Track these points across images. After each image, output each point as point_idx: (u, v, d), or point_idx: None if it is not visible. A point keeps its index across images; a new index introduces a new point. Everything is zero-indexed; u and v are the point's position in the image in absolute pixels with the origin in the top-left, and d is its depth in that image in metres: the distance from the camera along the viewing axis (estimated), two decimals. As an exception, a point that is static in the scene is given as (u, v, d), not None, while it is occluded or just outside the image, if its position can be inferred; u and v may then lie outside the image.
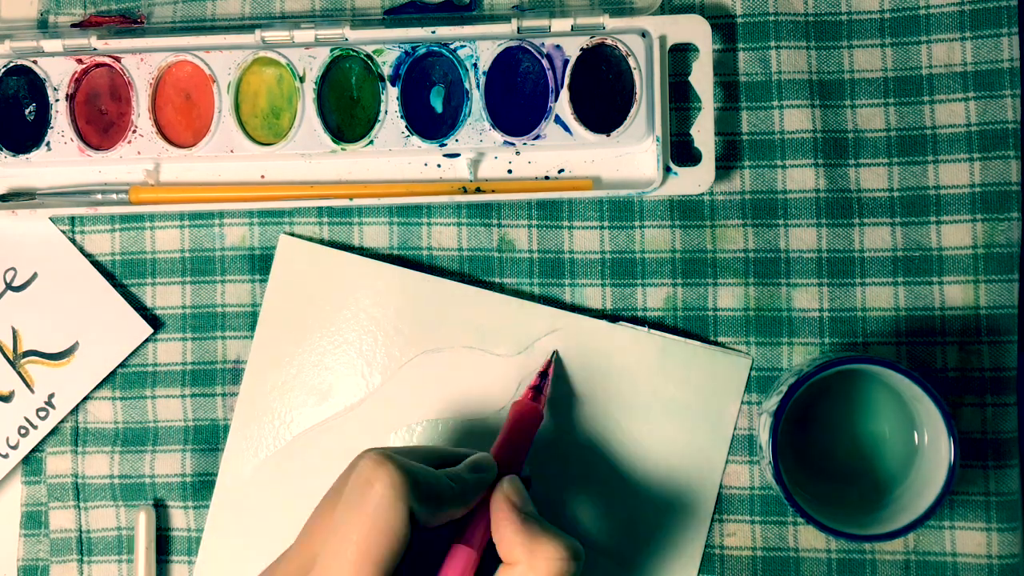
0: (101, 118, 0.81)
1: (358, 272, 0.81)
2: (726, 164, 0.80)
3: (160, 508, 0.82)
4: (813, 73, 0.79)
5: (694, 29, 0.78)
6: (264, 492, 0.81)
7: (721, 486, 0.79)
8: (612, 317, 0.80)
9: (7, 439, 0.82)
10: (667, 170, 0.78)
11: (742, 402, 0.79)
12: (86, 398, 0.83)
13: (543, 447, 0.79)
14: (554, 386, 0.80)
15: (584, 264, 0.80)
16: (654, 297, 0.80)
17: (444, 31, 0.78)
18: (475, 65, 0.78)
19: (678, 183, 0.78)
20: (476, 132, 0.78)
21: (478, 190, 0.79)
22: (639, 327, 0.80)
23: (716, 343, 0.80)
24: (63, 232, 0.83)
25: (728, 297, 0.80)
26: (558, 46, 0.77)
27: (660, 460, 0.79)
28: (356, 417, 0.81)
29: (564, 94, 0.77)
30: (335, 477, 0.80)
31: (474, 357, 0.80)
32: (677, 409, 0.79)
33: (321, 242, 0.81)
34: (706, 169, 0.78)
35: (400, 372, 0.81)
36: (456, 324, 0.80)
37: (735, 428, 0.79)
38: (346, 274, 0.81)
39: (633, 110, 0.77)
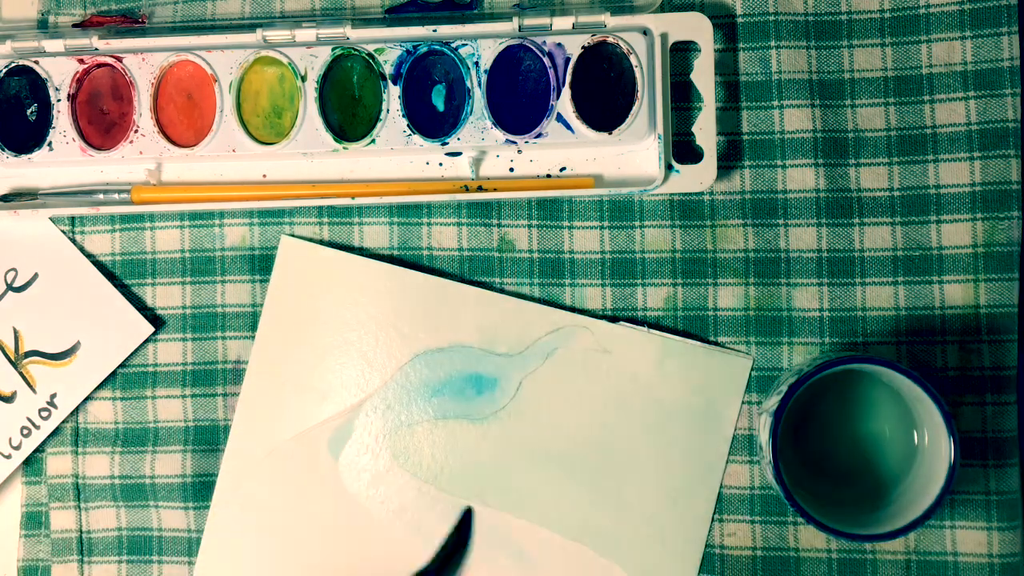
0: (103, 118, 0.81)
1: (358, 272, 0.81)
2: (726, 164, 0.80)
3: (160, 509, 0.82)
4: (813, 73, 0.79)
5: (695, 27, 0.78)
6: (264, 492, 0.81)
7: (721, 486, 0.79)
8: (612, 317, 0.80)
9: (10, 439, 0.82)
10: (669, 168, 0.78)
11: (742, 402, 0.79)
12: (87, 398, 0.83)
13: (543, 447, 0.79)
14: (554, 386, 0.80)
15: (584, 264, 0.80)
16: (654, 297, 0.80)
17: (445, 30, 0.78)
18: (477, 63, 0.78)
19: (680, 181, 0.78)
20: (478, 130, 0.78)
21: (480, 188, 0.79)
22: (639, 327, 0.80)
23: (716, 343, 0.80)
24: (63, 232, 0.83)
25: (728, 297, 0.80)
26: (559, 44, 0.78)
27: (660, 460, 0.79)
28: (356, 417, 0.81)
29: (566, 92, 0.78)
30: (335, 476, 0.81)
31: (474, 357, 0.80)
32: (677, 409, 0.79)
33: (321, 242, 0.82)
34: (708, 166, 0.78)
35: (400, 372, 0.81)
36: (456, 324, 0.80)
37: (735, 428, 0.79)
38: (347, 275, 0.81)
39: (635, 108, 0.77)
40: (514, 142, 0.78)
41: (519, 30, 0.78)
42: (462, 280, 0.81)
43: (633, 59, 0.77)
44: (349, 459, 0.81)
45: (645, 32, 0.78)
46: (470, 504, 0.80)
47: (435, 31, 0.78)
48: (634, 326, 0.80)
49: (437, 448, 0.80)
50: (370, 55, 0.79)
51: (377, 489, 0.81)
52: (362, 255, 0.81)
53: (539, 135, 0.78)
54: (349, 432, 0.81)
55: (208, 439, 0.82)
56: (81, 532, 0.83)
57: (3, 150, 0.80)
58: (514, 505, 0.80)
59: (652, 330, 0.80)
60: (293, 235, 0.82)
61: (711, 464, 0.79)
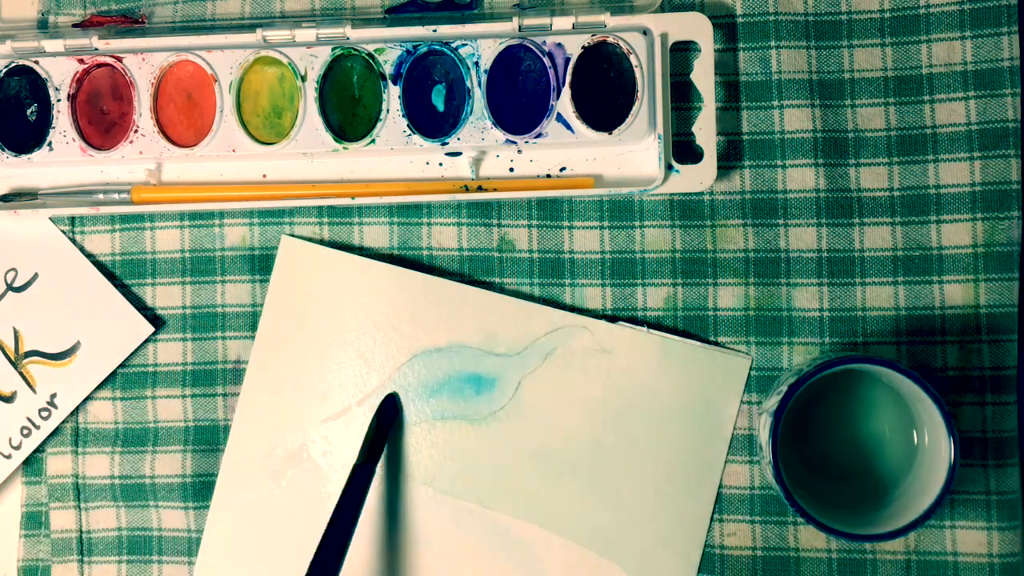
0: (103, 118, 0.81)
1: (358, 273, 0.81)
2: (726, 164, 0.80)
3: (160, 509, 0.82)
4: (813, 73, 0.79)
5: (695, 27, 0.78)
6: (264, 492, 0.81)
7: (721, 486, 0.79)
8: (611, 317, 0.80)
9: (10, 439, 0.82)
10: (669, 168, 0.78)
11: (742, 402, 0.79)
12: (87, 398, 0.83)
13: (542, 448, 0.79)
14: (554, 387, 0.80)
15: (584, 264, 0.80)
16: (654, 297, 0.80)
17: (445, 30, 0.78)
18: (477, 63, 0.78)
19: (680, 181, 0.78)
20: (478, 131, 0.78)
21: (480, 188, 0.79)
22: (638, 327, 0.80)
23: (716, 343, 0.80)
24: (63, 232, 0.83)
25: (728, 297, 0.80)
26: (559, 44, 0.78)
27: (659, 461, 0.79)
28: (355, 417, 0.81)
29: (566, 92, 0.78)
30: (334, 477, 0.80)
31: (473, 357, 0.80)
32: (676, 409, 0.79)
33: (321, 242, 0.82)
34: (708, 166, 0.78)
35: (398, 372, 0.81)
36: (456, 324, 0.80)
37: (735, 428, 0.79)
38: (346, 275, 0.81)
39: (635, 108, 0.77)
40: (514, 142, 0.78)
41: (519, 30, 0.78)
42: (462, 280, 0.81)
43: (633, 59, 0.77)
44: (347, 461, 0.81)
45: (645, 32, 0.78)
46: (474, 505, 0.80)
47: (435, 31, 0.78)
48: (633, 326, 0.80)
49: (435, 449, 0.80)
50: (370, 55, 0.79)
51: (374, 490, 0.81)
52: (362, 255, 0.81)
53: (539, 135, 0.78)
54: (347, 433, 0.81)
55: (208, 439, 0.82)
56: (81, 532, 0.83)
57: (3, 150, 0.80)
58: (513, 506, 0.80)
59: (651, 330, 0.80)
60: (293, 235, 0.82)
61: (710, 464, 0.79)
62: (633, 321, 0.80)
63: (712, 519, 0.79)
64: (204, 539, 0.81)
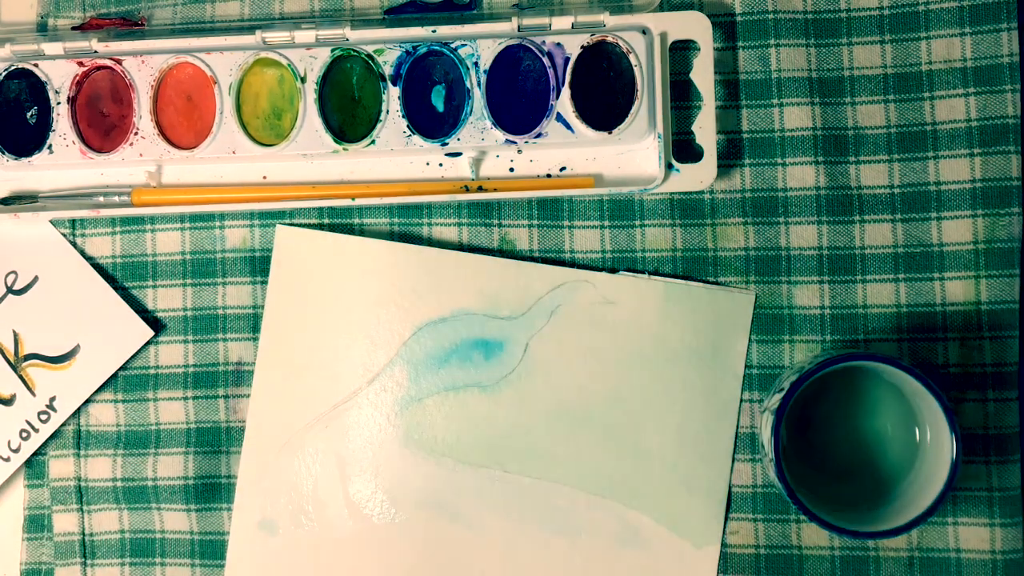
0: (103, 120, 0.81)
1: (355, 252, 0.81)
2: (726, 162, 0.80)
3: (162, 511, 0.82)
4: (813, 70, 0.79)
5: (694, 26, 0.78)
6: (282, 484, 0.81)
7: (737, 426, 0.79)
8: (611, 269, 0.80)
9: (8, 442, 0.82)
10: (669, 167, 0.78)
11: (743, 400, 0.79)
12: (88, 401, 0.83)
13: (557, 406, 0.80)
14: (562, 344, 0.80)
15: (585, 263, 0.80)
16: (655, 296, 0.80)
17: (444, 30, 0.78)
18: (476, 64, 0.78)
19: (680, 180, 0.78)
20: (478, 131, 0.78)
21: (480, 188, 0.79)
22: (639, 274, 0.80)
23: (717, 283, 0.80)
24: (64, 235, 0.83)
25: (729, 295, 0.80)
26: (559, 44, 0.78)
27: (674, 405, 0.79)
28: (366, 398, 0.81)
29: (565, 92, 0.78)
30: (353, 459, 0.80)
31: (478, 322, 0.80)
32: (686, 351, 0.79)
33: (315, 227, 0.81)
34: (708, 165, 0.78)
35: (405, 347, 0.81)
36: (456, 291, 0.81)
37: (747, 366, 0.80)
38: (343, 255, 0.81)
39: (634, 107, 0.77)
40: (514, 142, 0.78)
41: (518, 30, 0.78)
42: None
43: (632, 58, 0.78)
44: (363, 442, 0.81)
45: (644, 31, 0.78)
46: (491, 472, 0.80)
47: (434, 32, 0.78)
48: (634, 274, 0.80)
49: (451, 420, 0.81)
50: (369, 56, 0.79)
51: (395, 468, 0.81)
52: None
53: (539, 135, 0.78)
54: (361, 415, 0.81)
55: (210, 441, 0.82)
56: (84, 535, 0.83)
57: (3, 153, 0.80)
58: (535, 468, 0.80)
59: (653, 276, 0.80)
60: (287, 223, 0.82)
61: (725, 402, 0.79)
62: (633, 270, 0.80)
63: (733, 458, 0.79)
64: (231, 538, 0.82)
